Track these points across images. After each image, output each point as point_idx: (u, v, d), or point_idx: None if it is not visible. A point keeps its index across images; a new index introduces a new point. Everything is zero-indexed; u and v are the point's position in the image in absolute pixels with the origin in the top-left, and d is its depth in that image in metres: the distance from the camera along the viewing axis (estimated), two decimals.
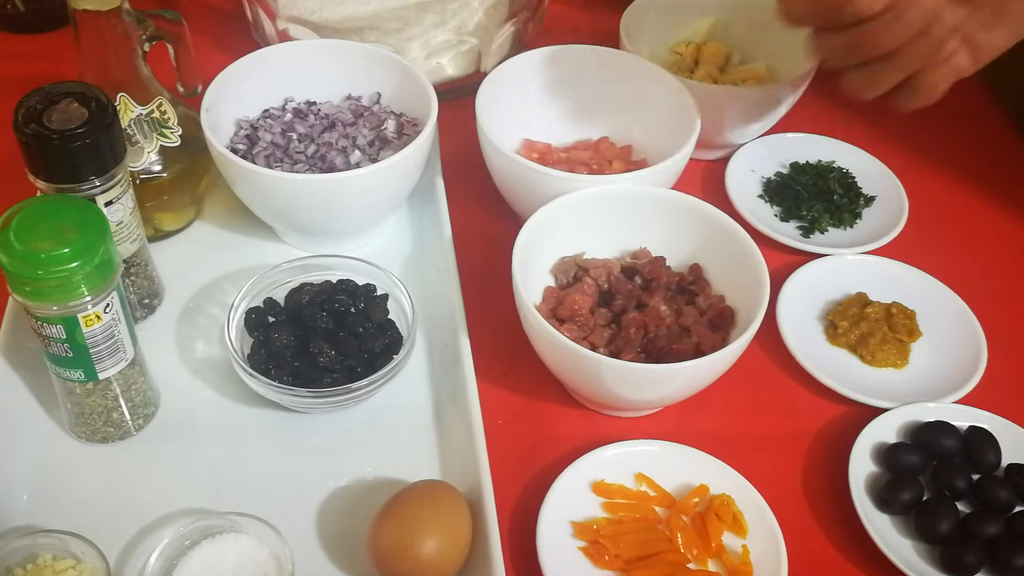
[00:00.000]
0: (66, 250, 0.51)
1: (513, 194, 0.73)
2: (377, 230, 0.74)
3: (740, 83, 0.84)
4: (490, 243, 0.75)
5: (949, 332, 0.70)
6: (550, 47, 0.78)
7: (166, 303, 0.69)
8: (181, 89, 0.72)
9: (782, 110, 0.80)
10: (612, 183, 0.68)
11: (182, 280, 0.71)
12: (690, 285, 0.67)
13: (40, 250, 0.51)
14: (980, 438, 0.63)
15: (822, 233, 0.78)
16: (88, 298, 0.53)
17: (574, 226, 0.68)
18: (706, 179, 0.83)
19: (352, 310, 0.65)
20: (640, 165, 0.77)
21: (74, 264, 0.51)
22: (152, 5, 0.95)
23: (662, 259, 0.68)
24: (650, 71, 0.77)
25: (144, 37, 0.66)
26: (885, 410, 0.65)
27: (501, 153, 0.69)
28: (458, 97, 0.86)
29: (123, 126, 0.66)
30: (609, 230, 0.69)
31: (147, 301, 0.68)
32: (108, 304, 0.55)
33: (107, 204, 0.60)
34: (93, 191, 0.59)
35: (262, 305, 0.65)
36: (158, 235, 0.72)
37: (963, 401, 0.66)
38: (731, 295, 0.66)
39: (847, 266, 0.74)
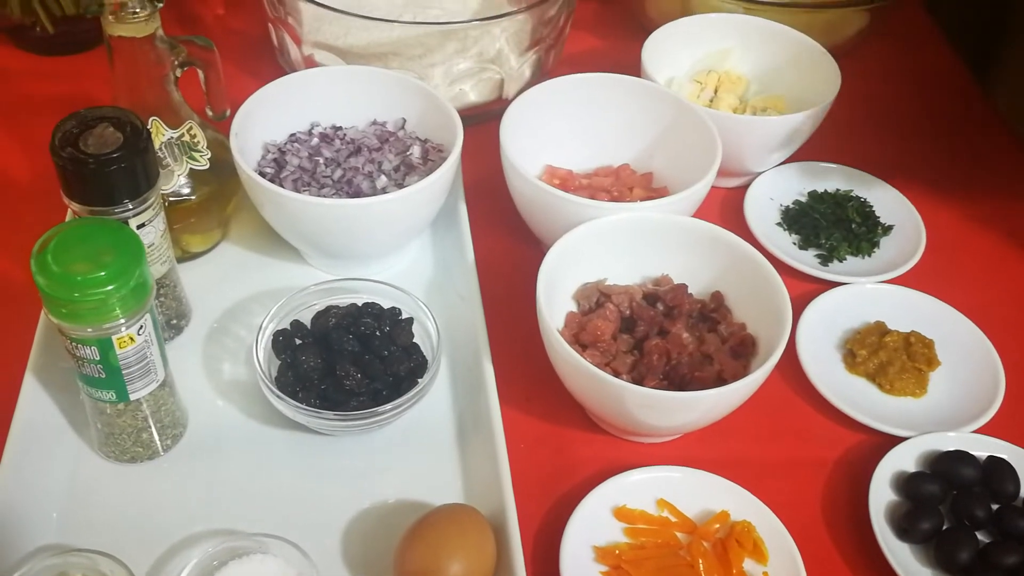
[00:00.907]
0: (102, 273, 0.52)
1: (535, 219, 0.74)
2: (401, 254, 0.75)
3: (760, 112, 0.85)
4: (512, 267, 0.76)
5: (967, 361, 0.71)
6: (572, 75, 0.79)
7: (193, 323, 0.70)
8: (210, 113, 0.73)
9: (801, 139, 0.81)
10: (635, 211, 0.69)
11: (209, 301, 0.71)
12: (712, 313, 0.68)
13: (77, 273, 0.52)
14: (999, 468, 0.63)
15: (840, 261, 0.78)
16: (122, 320, 0.54)
17: (597, 253, 0.68)
18: (725, 206, 0.84)
19: (378, 333, 0.65)
20: (661, 192, 0.78)
21: (110, 287, 0.52)
22: (182, 30, 0.97)
23: (684, 286, 0.69)
24: (671, 100, 0.78)
25: (176, 63, 0.67)
26: (904, 439, 0.65)
27: (524, 179, 0.70)
28: (481, 122, 0.87)
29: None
30: (631, 257, 0.69)
31: (175, 322, 0.69)
32: (142, 326, 0.56)
33: (139, 227, 0.61)
34: (126, 214, 0.60)
35: (289, 327, 0.66)
36: (186, 256, 0.73)
37: (981, 430, 0.67)
38: (752, 323, 0.67)
39: (866, 295, 0.75)
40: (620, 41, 1.01)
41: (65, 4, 0.89)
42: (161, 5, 0.64)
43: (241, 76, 0.92)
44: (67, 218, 0.70)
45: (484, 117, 0.88)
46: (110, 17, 0.62)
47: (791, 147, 0.82)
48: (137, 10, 0.62)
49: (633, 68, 0.82)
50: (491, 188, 0.79)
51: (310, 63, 0.86)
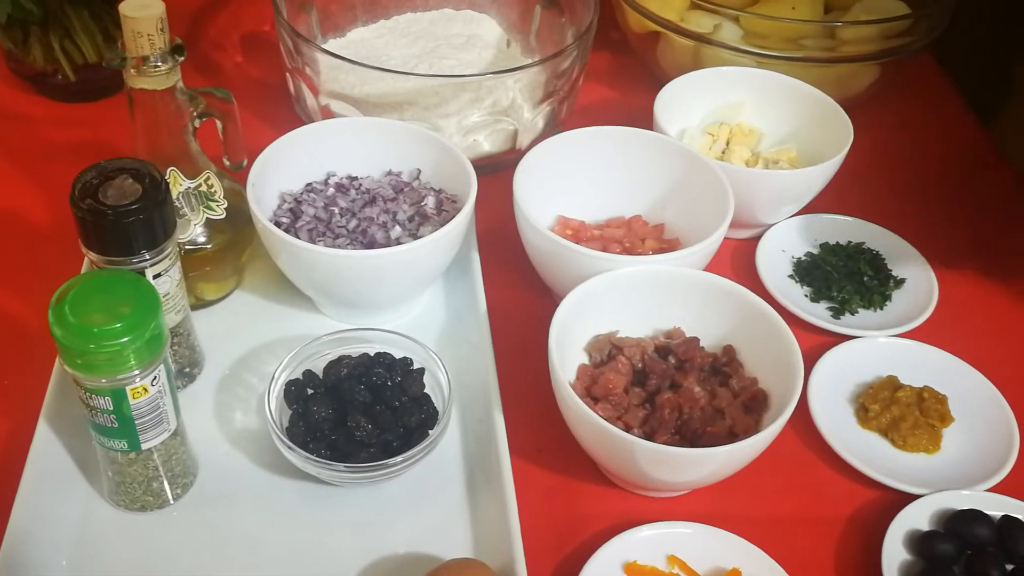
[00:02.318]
0: (118, 325, 0.53)
1: (548, 270, 0.75)
2: (414, 302, 0.76)
3: (772, 165, 0.85)
4: (524, 316, 0.76)
5: (981, 418, 0.71)
6: (586, 128, 0.80)
7: (206, 371, 0.70)
8: (227, 163, 0.74)
9: (813, 193, 0.82)
10: (647, 263, 0.69)
11: (222, 349, 0.72)
12: (724, 366, 0.68)
13: (93, 324, 0.52)
14: (1014, 528, 0.63)
15: (852, 315, 0.78)
16: (137, 372, 0.54)
17: (609, 305, 0.69)
18: (737, 257, 0.84)
19: (389, 383, 0.66)
20: (673, 244, 0.79)
21: (125, 339, 0.53)
22: (201, 78, 0.98)
23: (696, 340, 0.69)
24: (684, 153, 0.78)
25: (195, 114, 0.68)
26: (917, 496, 0.65)
27: (537, 231, 0.71)
28: (494, 171, 0.88)
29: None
30: (643, 309, 0.70)
31: (188, 370, 0.69)
32: (155, 376, 0.56)
33: (155, 276, 0.62)
34: (143, 264, 0.60)
35: (301, 377, 0.66)
36: (200, 304, 0.74)
37: (996, 489, 0.66)
38: (764, 377, 0.67)
39: (878, 349, 0.75)
40: (633, 92, 1.02)
41: (86, 52, 0.90)
42: (182, 59, 0.65)
43: (258, 124, 0.93)
44: (84, 266, 0.71)
45: (498, 166, 0.89)
46: (132, 71, 0.64)
47: (803, 200, 0.82)
48: (159, 64, 0.63)
49: (646, 119, 0.83)
50: (504, 236, 0.80)
51: (326, 112, 0.87)
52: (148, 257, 0.60)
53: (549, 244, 0.71)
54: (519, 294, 0.79)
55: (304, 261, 0.68)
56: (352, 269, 0.68)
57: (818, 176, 0.80)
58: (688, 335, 0.70)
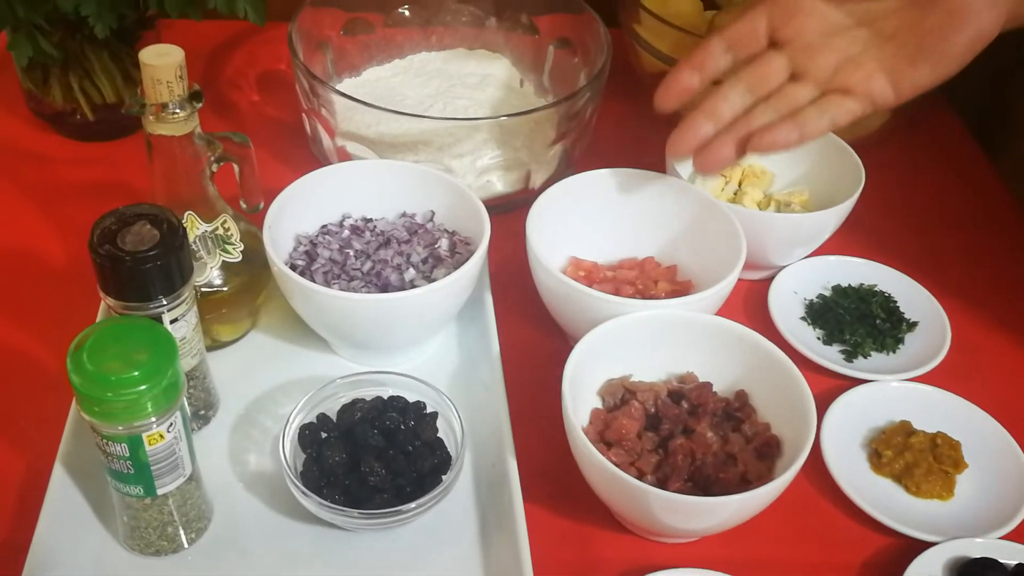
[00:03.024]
0: (135, 373, 0.53)
1: (561, 312, 0.75)
2: (427, 344, 0.76)
3: (784, 207, 0.86)
4: (536, 357, 0.76)
5: (995, 464, 0.70)
6: (598, 170, 0.80)
7: (221, 413, 0.71)
8: (244, 206, 0.75)
9: (825, 236, 0.82)
10: (660, 308, 0.69)
11: (237, 390, 0.72)
12: (736, 412, 0.68)
13: (110, 372, 0.53)
14: None
15: (865, 358, 0.78)
16: (153, 419, 0.55)
17: (622, 348, 0.69)
18: (749, 299, 0.84)
19: (402, 426, 0.66)
20: (685, 286, 0.79)
21: (142, 387, 0.53)
22: (216, 118, 0.99)
23: (708, 384, 0.69)
24: (696, 196, 0.79)
25: (213, 159, 0.69)
26: (931, 544, 0.65)
27: (550, 274, 0.71)
28: (507, 211, 0.88)
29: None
30: (656, 353, 0.70)
31: (203, 413, 0.69)
32: (172, 423, 0.56)
33: (172, 321, 0.62)
34: (160, 310, 0.61)
35: (315, 421, 0.66)
36: (215, 345, 0.74)
37: (1009, 536, 0.66)
38: (777, 423, 0.67)
39: (891, 393, 0.75)
40: (646, 132, 1.01)
41: (105, 92, 0.92)
42: (200, 106, 0.66)
43: (274, 164, 0.94)
44: (100, 309, 0.72)
45: (511, 206, 0.90)
46: (151, 117, 0.64)
47: (815, 243, 0.83)
48: (177, 111, 0.64)
49: (659, 159, 0.84)
50: (516, 276, 0.80)
51: (342, 154, 0.88)
52: (165, 303, 0.61)
53: (562, 287, 0.71)
54: (532, 334, 0.79)
55: (319, 304, 0.69)
56: (366, 313, 0.68)
57: (830, 219, 0.80)
58: (701, 379, 0.70)
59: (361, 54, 1.01)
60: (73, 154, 0.94)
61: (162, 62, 0.62)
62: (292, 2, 0.94)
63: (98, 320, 0.71)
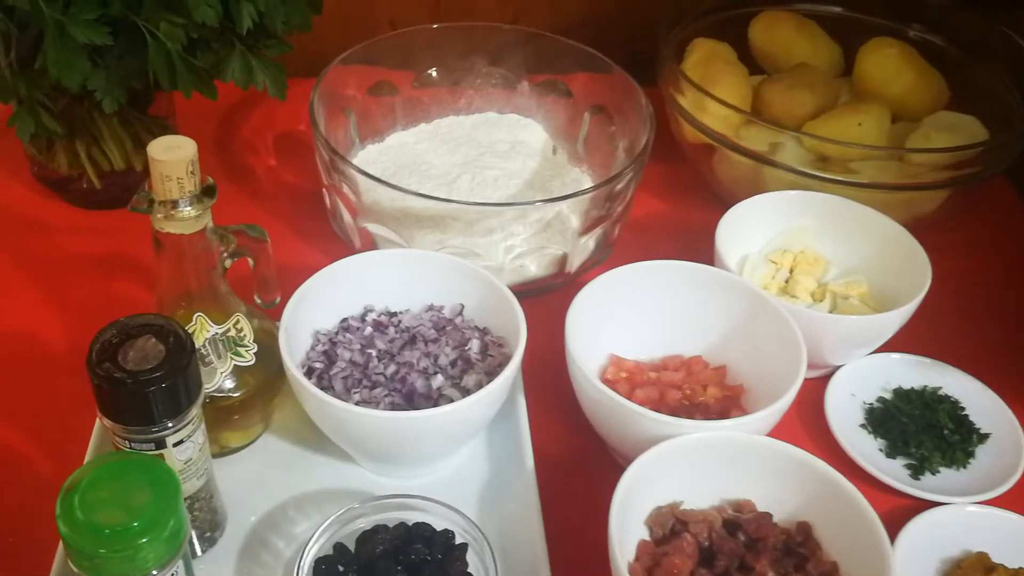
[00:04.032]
0: (134, 524, 0.47)
1: (601, 423, 0.69)
2: (454, 455, 0.70)
3: (841, 299, 0.79)
4: (572, 465, 0.71)
5: None
6: (643, 263, 0.74)
7: (228, 532, 0.64)
8: (258, 300, 0.69)
9: (887, 337, 0.75)
10: (716, 430, 0.63)
11: (246, 504, 0.66)
12: (799, 547, 0.61)
13: (105, 525, 0.47)
14: None
15: (933, 474, 0.72)
16: (154, 571, 0.49)
17: (671, 473, 0.62)
18: (803, 402, 0.77)
19: (428, 558, 0.59)
20: (736, 391, 0.72)
21: (142, 540, 0.47)
22: (230, 182, 0.94)
23: (768, 515, 0.62)
24: (748, 292, 0.73)
25: (226, 254, 0.63)
26: None
27: (592, 385, 0.65)
28: (541, 294, 0.82)
29: (197, 346, 0.63)
30: (708, 478, 0.63)
31: (208, 535, 0.63)
32: (173, 573, 0.50)
33: (176, 444, 0.56)
34: (164, 434, 0.55)
35: (332, 552, 0.60)
36: (223, 452, 0.68)
37: None
38: (844, 561, 0.60)
39: (965, 519, 0.68)
40: (687, 204, 0.96)
41: (114, 158, 0.86)
42: (213, 201, 0.60)
43: (291, 238, 0.88)
44: (95, 424, 0.66)
45: (545, 290, 0.83)
46: (159, 215, 0.58)
47: (875, 344, 0.76)
48: (188, 208, 0.58)
49: (701, 234, 0.78)
50: (550, 369, 0.73)
51: (364, 234, 0.82)
52: (171, 425, 0.55)
53: (604, 399, 0.65)
54: (567, 436, 0.73)
55: (337, 419, 0.63)
56: (389, 430, 0.62)
57: (893, 321, 0.74)
58: (759, 508, 0.63)
59: (386, 118, 0.95)
60: (78, 223, 0.88)
61: (172, 157, 0.57)
62: (312, 58, 0.89)
63: (93, 436, 0.65)
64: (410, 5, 1.08)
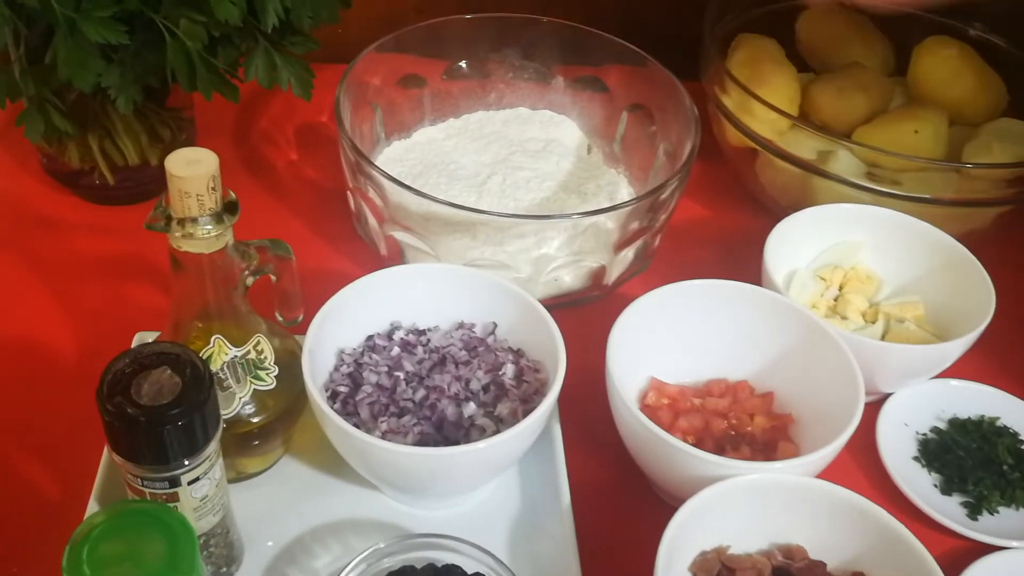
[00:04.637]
0: None
1: (644, 458, 0.65)
2: (484, 486, 0.66)
3: (896, 321, 0.75)
4: (610, 497, 0.67)
5: None
6: (688, 283, 0.69)
7: (245, 566, 0.61)
8: (280, 318, 0.65)
9: (946, 366, 0.71)
10: (764, 471, 0.59)
11: (264, 533, 0.62)
12: None
13: None
14: None
15: (992, 514, 0.67)
16: None
17: (718, 517, 0.58)
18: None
19: None
20: (784, 420, 0.68)
21: None
22: (248, 176, 0.89)
23: (822, 565, 0.58)
24: (799, 315, 0.68)
25: (247, 272, 0.59)
26: None
27: (636, 419, 0.61)
28: (577, 306, 0.78)
29: (215, 370, 0.59)
30: (757, 521, 0.59)
31: (224, 570, 0.59)
32: None
33: (192, 481, 0.52)
34: (179, 472, 0.51)
35: None
36: (239, 477, 0.64)
37: None
38: None
39: None
40: (728, 209, 0.92)
41: (128, 153, 0.82)
42: (235, 219, 0.55)
43: (312, 239, 0.84)
44: (103, 454, 0.62)
45: (581, 302, 0.79)
46: (176, 233, 0.54)
47: (933, 373, 0.72)
48: (208, 227, 0.54)
49: (743, 242, 0.76)
50: (585, 388, 0.68)
51: (390, 241, 0.77)
52: (186, 464, 0.51)
53: (651, 437, 0.60)
54: (605, 468, 0.69)
55: (362, 452, 0.59)
56: (417, 466, 0.58)
57: (954, 351, 0.69)
58: (812, 555, 0.59)
59: (413, 112, 0.90)
60: (89, 220, 0.84)
61: (192, 173, 0.52)
62: (334, 42, 0.83)
63: (101, 466, 0.61)
64: None
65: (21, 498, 0.64)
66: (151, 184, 0.84)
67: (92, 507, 0.59)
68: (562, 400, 0.68)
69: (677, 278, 0.81)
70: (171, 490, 0.52)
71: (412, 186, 0.73)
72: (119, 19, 0.60)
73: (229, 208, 0.55)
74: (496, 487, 0.66)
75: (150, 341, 0.64)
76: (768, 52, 0.90)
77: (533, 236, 0.77)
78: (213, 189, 0.53)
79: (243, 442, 0.61)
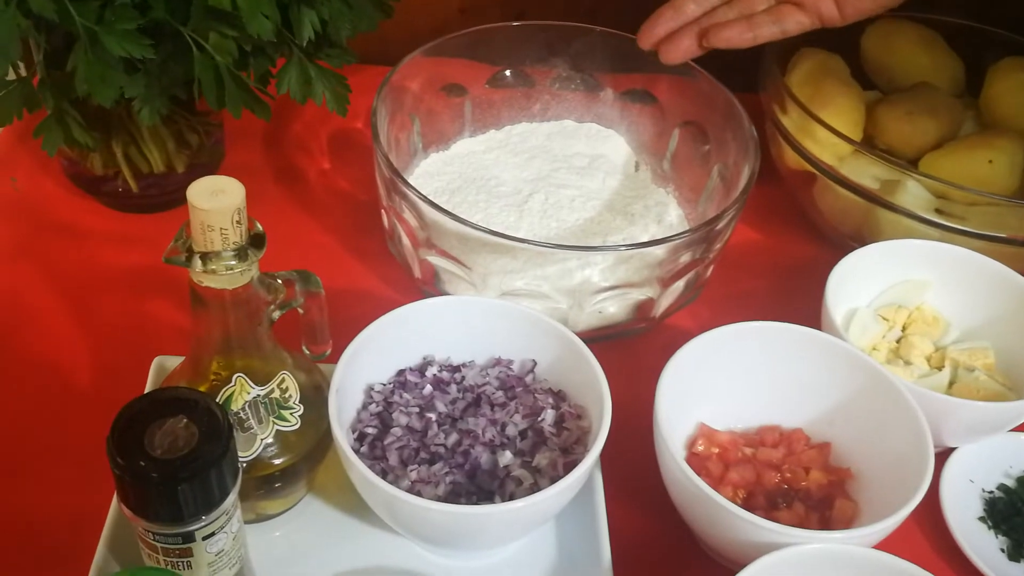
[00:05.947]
0: None
1: (692, 516, 0.60)
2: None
3: (964, 369, 0.70)
4: (656, 557, 0.63)
5: None
6: (743, 324, 0.64)
7: None
8: (307, 351, 0.61)
9: (1019, 423, 0.66)
10: (823, 542, 0.54)
11: None
12: None
13: None
14: None
15: None
16: None
17: None
18: None
19: None
20: (842, 475, 0.64)
21: None
22: (277, 185, 0.85)
23: None
24: (861, 363, 0.64)
25: (273, 307, 0.55)
26: None
27: (686, 475, 0.56)
28: (622, 338, 0.74)
29: (236, 410, 0.55)
30: None
31: None
32: None
33: (207, 536, 0.48)
34: (193, 528, 0.47)
35: None
36: (259, 518, 0.61)
37: None
38: None
39: None
40: (784, 235, 0.87)
41: (153, 160, 0.78)
42: (262, 254, 0.51)
43: (343, 256, 0.80)
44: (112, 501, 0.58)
45: (627, 334, 0.75)
46: (198, 268, 0.50)
47: (1004, 430, 0.67)
48: (232, 263, 0.50)
49: (799, 272, 0.74)
50: (627, 429, 0.63)
51: (425, 265, 0.73)
52: (203, 520, 0.47)
53: (701, 496, 0.56)
54: (647, 520, 0.64)
55: (389, 505, 0.55)
56: (449, 523, 0.54)
57: None
58: None
59: (453, 122, 0.86)
60: (111, 227, 0.80)
61: (215, 205, 0.48)
62: (369, 41, 0.78)
63: (111, 512, 0.58)
64: None
65: (23, 541, 0.60)
66: (177, 192, 0.80)
67: (101, 553, 0.55)
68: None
69: (727, 308, 0.77)
70: (184, 545, 0.48)
71: (449, 209, 0.69)
72: (144, 30, 0.56)
73: (255, 242, 0.51)
74: (531, 537, 0.62)
75: (169, 369, 0.61)
76: (832, 69, 0.84)
77: (576, 259, 0.72)
78: (238, 222, 0.49)
79: (264, 485, 0.58)
